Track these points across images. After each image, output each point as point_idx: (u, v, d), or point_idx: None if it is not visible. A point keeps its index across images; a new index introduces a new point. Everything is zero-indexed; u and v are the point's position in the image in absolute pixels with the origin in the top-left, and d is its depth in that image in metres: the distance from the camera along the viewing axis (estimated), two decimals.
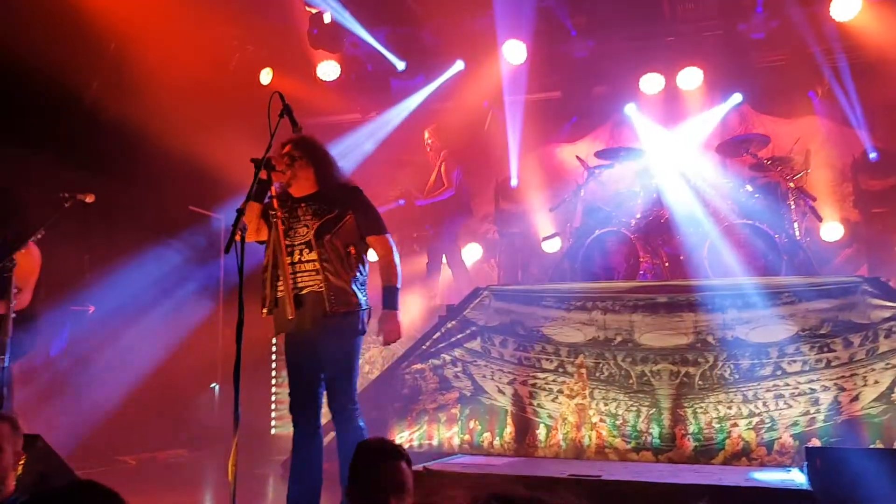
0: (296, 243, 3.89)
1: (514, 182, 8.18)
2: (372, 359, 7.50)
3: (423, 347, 6.17)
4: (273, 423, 7.88)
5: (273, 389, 7.95)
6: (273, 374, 7.98)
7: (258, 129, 4.59)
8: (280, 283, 3.87)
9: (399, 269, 4.00)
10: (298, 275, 3.86)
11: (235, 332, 3.08)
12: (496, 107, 8.29)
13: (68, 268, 5.58)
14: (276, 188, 3.95)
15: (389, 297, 3.94)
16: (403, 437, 5.99)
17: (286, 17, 7.83)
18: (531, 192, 8.07)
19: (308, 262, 3.85)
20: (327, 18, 7.72)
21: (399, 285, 3.98)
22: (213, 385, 7.62)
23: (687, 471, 3.40)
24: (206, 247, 7.67)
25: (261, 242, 4.03)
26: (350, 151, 8.16)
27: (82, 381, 6.13)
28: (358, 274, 3.92)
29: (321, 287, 3.81)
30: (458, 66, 8.03)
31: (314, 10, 7.75)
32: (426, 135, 7.63)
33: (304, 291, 3.85)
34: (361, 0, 7.69)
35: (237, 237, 3.21)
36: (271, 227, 3.94)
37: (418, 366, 6.20)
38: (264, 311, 3.94)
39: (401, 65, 8.07)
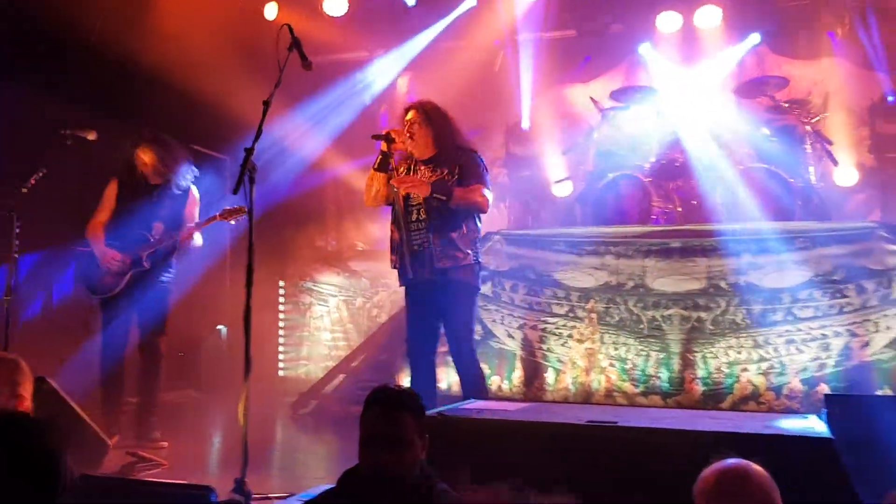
0: (412, 204, 4.28)
1: (525, 124, 7.98)
2: (380, 302, 7.47)
3: None
4: (280, 364, 7.89)
5: (280, 332, 7.93)
6: (281, 316, 7.96)
7: (264, 66, 4.45)
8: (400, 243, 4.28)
9: (474, 205, 4.21)
10: (413, 234, 4.26)
11: (246, 276, 3.02)
12: (508, 46, 8.05)
13: (71, 207, 5.48)
14: (397, 158, 4.38)
15: (443, 184, 4.16)
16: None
17: None
18: (543, 135, 7.88)
19: (420, 220, 4.24)
20: None
21: (460, 201, 4.16)
22: (219, 327, 7.60)
23: (703, 417, 3.37)
24: (211, 187, 7.55)
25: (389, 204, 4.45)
26: (357, 92, 7.98)
27: (88, 323, 6.10)
28: (467, 230, 4.24)
29: (429, 244, 4.18)
30: (470, 1, 7.76)
31: None
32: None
33: (416, 249, 4.24)
34: None
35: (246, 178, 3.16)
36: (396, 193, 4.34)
37: None
38: (393, 267, 4.36)
39: (411, 0, 7.81)
